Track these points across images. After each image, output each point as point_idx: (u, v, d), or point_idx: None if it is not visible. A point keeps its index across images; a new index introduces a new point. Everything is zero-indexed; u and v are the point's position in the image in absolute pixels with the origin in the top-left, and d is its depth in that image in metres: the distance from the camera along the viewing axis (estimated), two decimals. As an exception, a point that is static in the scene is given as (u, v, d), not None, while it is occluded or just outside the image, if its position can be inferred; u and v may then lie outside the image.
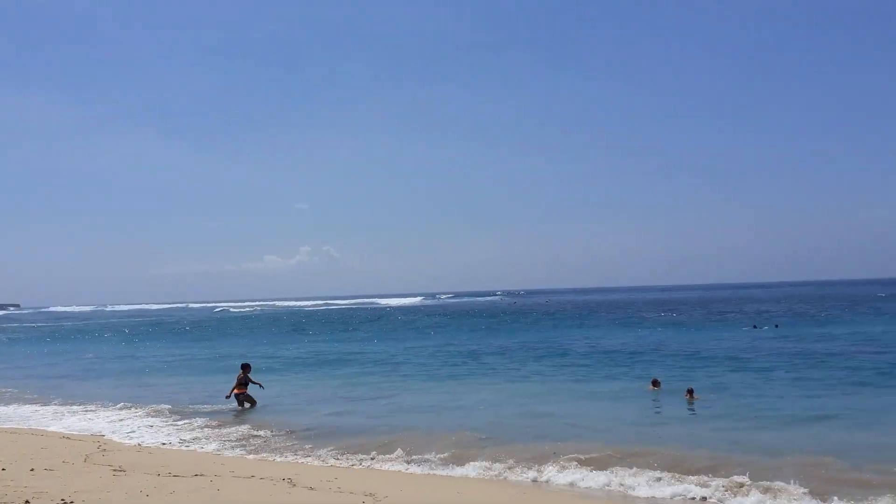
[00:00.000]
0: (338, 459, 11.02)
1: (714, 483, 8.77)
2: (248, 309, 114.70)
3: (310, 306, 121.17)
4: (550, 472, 9.64)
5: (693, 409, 14.76)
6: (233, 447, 12.19)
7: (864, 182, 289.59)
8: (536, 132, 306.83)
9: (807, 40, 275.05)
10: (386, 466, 10.50)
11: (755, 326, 37.17)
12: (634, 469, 9.41)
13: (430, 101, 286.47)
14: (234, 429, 13.73)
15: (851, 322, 38.38)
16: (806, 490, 8.33)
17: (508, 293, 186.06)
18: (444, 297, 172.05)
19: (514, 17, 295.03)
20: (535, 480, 9.58)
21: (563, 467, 9.74)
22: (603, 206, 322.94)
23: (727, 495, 8.44)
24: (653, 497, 8.68)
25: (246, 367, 17.02)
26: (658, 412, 14.80)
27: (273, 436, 12.99)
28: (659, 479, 9.03)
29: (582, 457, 10.14)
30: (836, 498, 8.05)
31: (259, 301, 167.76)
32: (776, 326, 36.10)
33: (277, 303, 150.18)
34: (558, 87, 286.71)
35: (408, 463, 10.56)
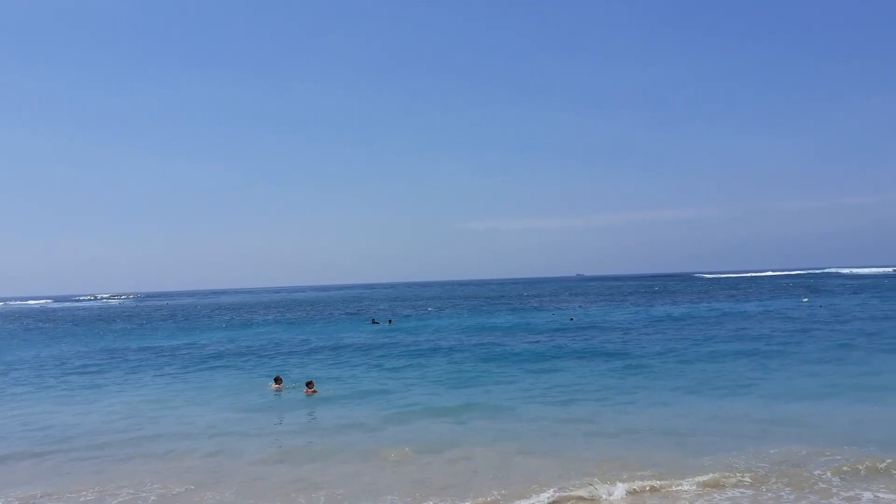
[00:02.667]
0: None
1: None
2: None
3: None
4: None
5: (311, 407, 15.51)
6: None
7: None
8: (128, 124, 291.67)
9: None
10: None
11: (374, 321, 41.43)
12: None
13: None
14: None
15: (440, 316, 45.17)
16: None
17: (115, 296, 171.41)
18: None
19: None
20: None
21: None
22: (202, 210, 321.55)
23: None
24: None
25: None
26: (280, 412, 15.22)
27: None
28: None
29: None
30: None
31: None
32: (389, 322, 40.71)
33: None
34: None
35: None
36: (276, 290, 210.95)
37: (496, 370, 19.65)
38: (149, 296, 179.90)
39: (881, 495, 8.32)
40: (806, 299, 48.66)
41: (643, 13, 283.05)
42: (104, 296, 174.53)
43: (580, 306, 52.23)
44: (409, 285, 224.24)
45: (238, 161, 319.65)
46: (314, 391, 16.61)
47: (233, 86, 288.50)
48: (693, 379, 17.06)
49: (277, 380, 17.76)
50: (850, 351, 21.10)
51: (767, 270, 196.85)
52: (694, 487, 8.80)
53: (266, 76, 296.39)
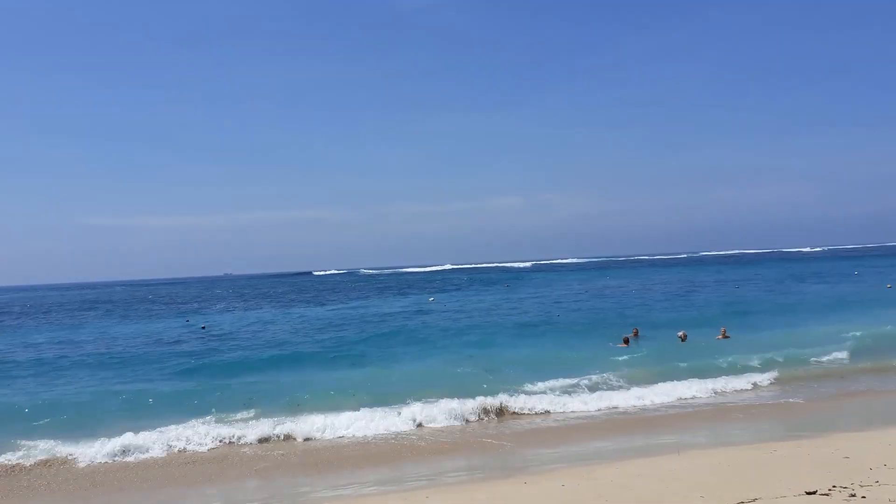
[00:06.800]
0: None
1: None
2: None
3: None
4: None
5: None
6: None
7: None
8: None
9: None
10: None
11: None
12: None
13: None
14: None
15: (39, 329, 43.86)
16: None
17: None
18: None
19: None
20: None
21: None
22: None
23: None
24: None
25: None
26: None
27: None
28: None
29: None
30: None
31: None
32: None
33: None
34: None
35: None
36: None
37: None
38: None
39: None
40: (432, 298, 56.41)
41: (287, 12, 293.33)
42: None
43: (224, 309, 54.11)
44: (18, 289, 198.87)
45: None
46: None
47: None
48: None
49: None
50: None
51: (404, 267, 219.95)
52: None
53: None
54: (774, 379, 18.69)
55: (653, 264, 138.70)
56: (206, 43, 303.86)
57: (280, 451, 13.59)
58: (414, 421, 14.98)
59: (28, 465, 12.94)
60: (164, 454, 13.41)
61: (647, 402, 16.63)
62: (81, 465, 12.96)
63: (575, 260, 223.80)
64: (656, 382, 18.08)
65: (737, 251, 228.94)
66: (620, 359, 21.20)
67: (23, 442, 13.86)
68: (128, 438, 13.61)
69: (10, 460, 13.07)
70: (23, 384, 21.02)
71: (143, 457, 13.27)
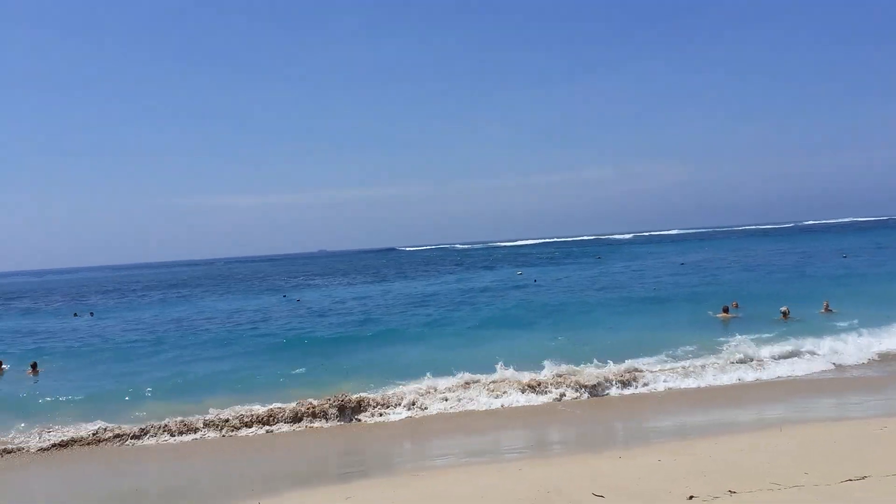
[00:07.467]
0: None
1: None
2: None
3: None
4: None
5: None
6: None
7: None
8: None
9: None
10: None
11: (76, 314, 41.10)
12: None
13: None
14: None
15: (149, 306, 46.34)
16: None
17: None
18: None
19: None
20: None
21: None
22: None
23: None
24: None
25: None
26: None
27: None
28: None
29: None
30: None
31: None
32: (91, 315, 40.78)
33: None
34: None
35: None
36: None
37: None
38: None
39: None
40: (520, 272, 56.86)
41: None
42: None
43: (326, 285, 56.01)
44: (127, 267, 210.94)
45: None
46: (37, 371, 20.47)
47: None
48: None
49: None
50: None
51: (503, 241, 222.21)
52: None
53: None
54: (882, 353, 17.84)
55: (756, 234, 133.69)
56: (297, 26, 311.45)
57: (374, 424, 14.04)
58: (508, 395, 15.13)
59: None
60: (263, 430, 13.98)
61: (747, 377, 16.21)
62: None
63: (676, 231, 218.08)
64: (756, 356, 17.60)
65: (848, 219, 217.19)
66: (719, 335, 20.65)
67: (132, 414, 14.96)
68: (236, 410, 14.37)
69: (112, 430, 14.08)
70: (133, 362, 22.29)
71: (252, 429, 13.93)
